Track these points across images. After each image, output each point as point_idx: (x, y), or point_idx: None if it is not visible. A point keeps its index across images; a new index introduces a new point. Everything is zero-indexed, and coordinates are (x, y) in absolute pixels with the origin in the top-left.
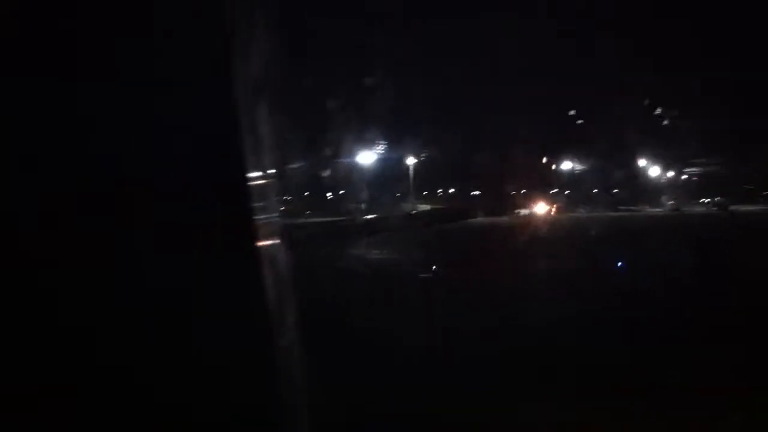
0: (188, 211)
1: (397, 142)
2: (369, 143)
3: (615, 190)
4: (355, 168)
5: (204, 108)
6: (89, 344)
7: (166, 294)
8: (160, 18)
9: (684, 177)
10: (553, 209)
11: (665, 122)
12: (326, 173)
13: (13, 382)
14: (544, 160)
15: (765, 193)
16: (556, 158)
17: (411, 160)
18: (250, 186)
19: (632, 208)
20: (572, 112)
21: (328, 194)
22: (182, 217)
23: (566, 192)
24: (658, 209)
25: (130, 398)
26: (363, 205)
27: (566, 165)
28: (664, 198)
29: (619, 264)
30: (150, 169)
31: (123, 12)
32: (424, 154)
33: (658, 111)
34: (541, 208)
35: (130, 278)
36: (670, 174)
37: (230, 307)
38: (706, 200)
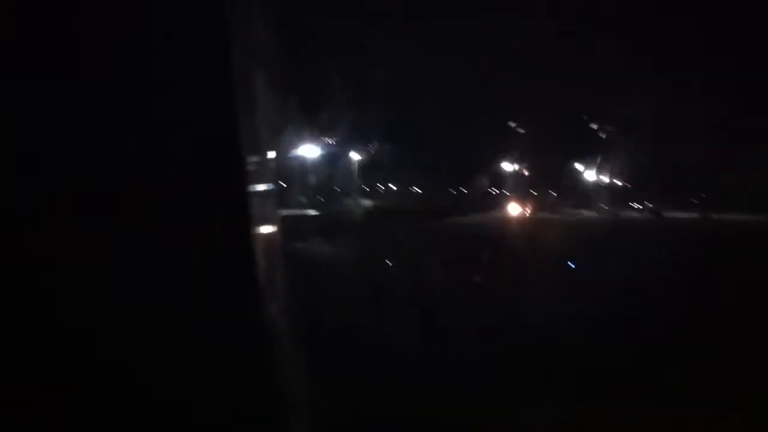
0: (188, 210)
1: (351, 137)
2: (319, 138)
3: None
4: (303, 162)
5: (203, 107)
6: (88, 344)
7: (165, 294)
8: (159, 17)
9: (620, 183)
10: (528, 210)
11: (603, 135)
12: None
13: (11, 382)
14: (504, 162)
15: (694, 200)
16: (504, 160)
17: (356, 156)
18: (249, 185)
19: (573, 210)
20: (513, 124)
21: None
22: (182, 217)
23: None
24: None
25: (130, 398)
26: (305, 200)
27: (509, 167)
28: (600, 202)
29: (571, 264)
30: (150, 168)
31: (123, 11)
32: (372, 150)
33: (594, 126)
34: (515, 209)
35: (130, 278)
36: (607, 180)
37: (230, 306)
38: (639, 206)
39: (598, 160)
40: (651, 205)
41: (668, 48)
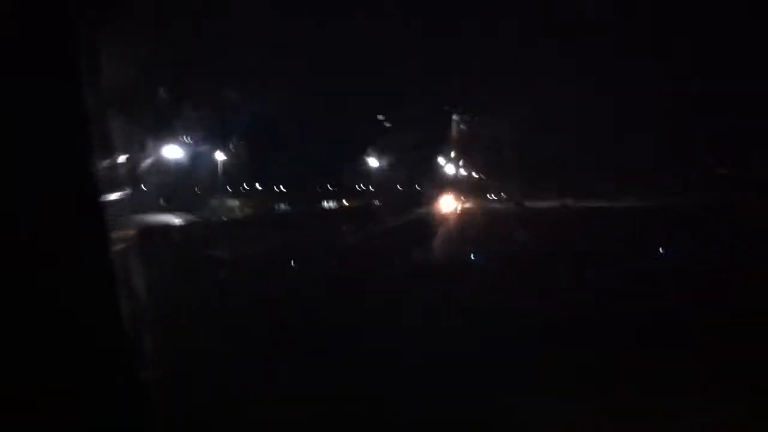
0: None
1: (213, 137)
2: (180, 138)
3: (418, 187)
4: (163, 164)
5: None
6: None
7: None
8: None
9: (476, 176)
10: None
11: (462, 126)
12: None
13: None
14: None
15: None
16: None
17: (220, 156)
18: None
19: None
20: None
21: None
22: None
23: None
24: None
25: None
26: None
27: (373, 162)
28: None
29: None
30: None
31: None
32: (234, 150)
33: (455, 117)
34: (449, 203)
35: None
36: (464, 173)
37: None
38: (494, 197)
39: (460, 154)
40: (506, 196)
41: (533, 41)
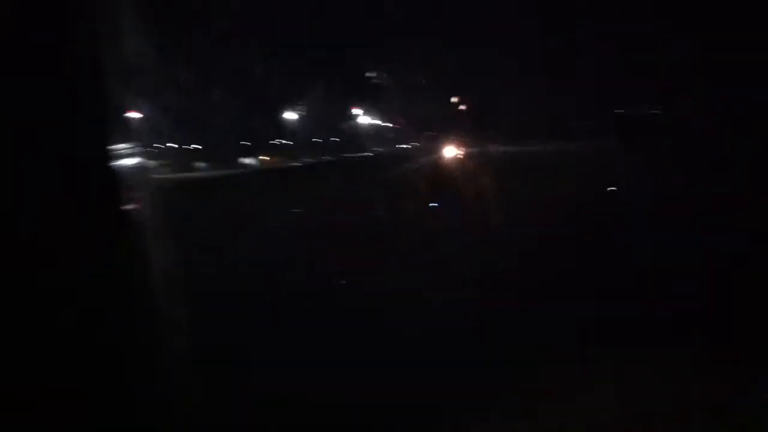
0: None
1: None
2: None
3: (335, 138)
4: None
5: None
6: None
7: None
8: None
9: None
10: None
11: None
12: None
13: None
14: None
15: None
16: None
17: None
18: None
19: (356, 154)
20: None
21: None
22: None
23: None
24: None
25: None
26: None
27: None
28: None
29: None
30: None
31: None
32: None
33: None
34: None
35: None
36: (378, 124)
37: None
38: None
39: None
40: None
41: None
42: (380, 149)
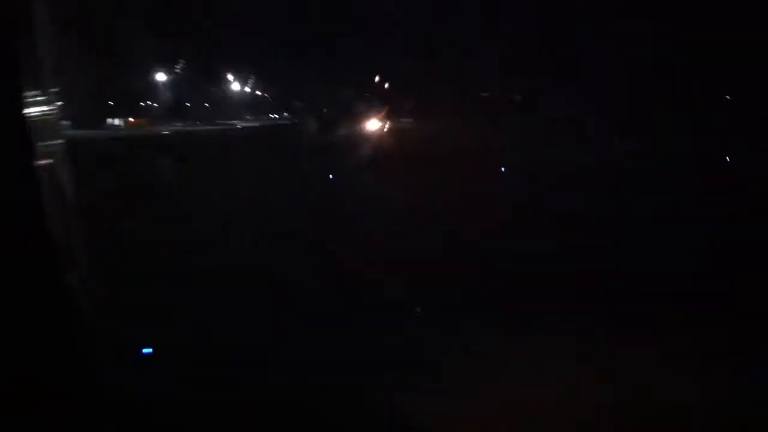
0: None
1: None
2: None
3: (206, 104)
4: None
5: None
6: None
7: None
8: None
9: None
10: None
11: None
12: None
13: None
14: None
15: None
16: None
17: None
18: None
19: (228, 122)
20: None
21: None
22: None
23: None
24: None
25: None
26: None
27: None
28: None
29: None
30: None
31: None
32: None
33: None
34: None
35: None
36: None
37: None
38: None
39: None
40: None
41: None
42: (251, 121)
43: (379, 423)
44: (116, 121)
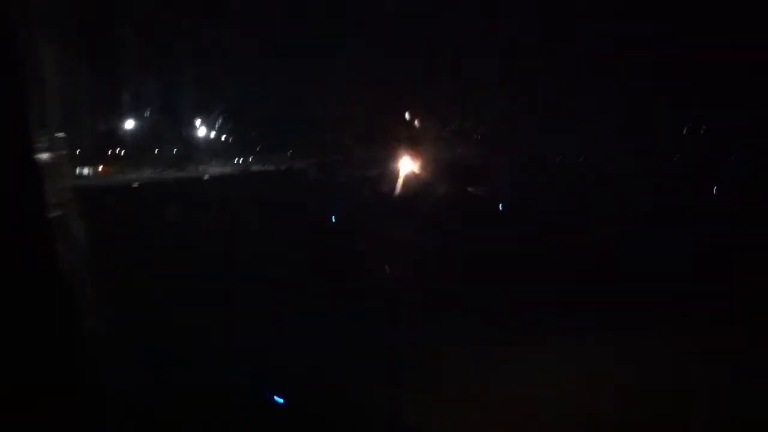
0: None
1: None
2: None
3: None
4: None
5: None
6: None
7: None
8: None
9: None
10: None
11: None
12: None
13: None
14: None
15: None
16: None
17: None
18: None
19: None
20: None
21: None
22: None
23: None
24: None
25: None
26: None
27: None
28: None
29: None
30: None
31: None
32: None
33: None
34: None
35: None
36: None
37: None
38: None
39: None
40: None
41: None
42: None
43: (379, 423)
44: (85, 170)
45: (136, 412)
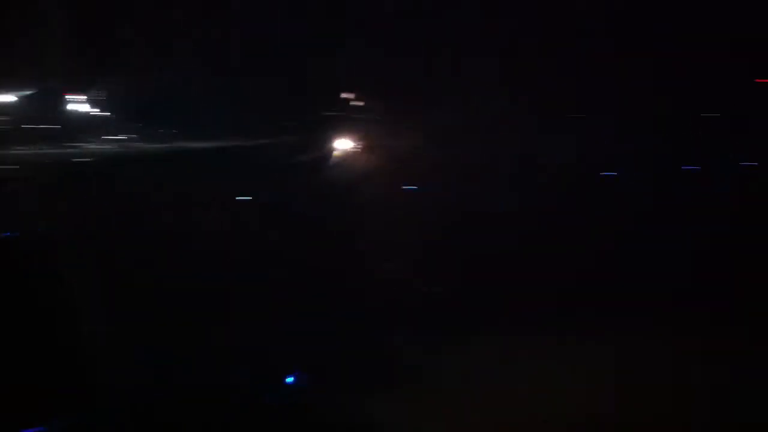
0: None
1: None
2: None
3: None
4: None
5: None
6: None
7: None
8: None
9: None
10: None
11: None
12: None
13: None
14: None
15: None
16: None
17: None
18: None
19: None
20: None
21: None
22: None
23: None
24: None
25: None
26: None
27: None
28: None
29: None
30: None
31: None
32: None
33: None
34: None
35: None
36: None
37: None
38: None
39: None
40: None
41: None
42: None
43: (378, 423)
44: None
45: (136, 412)
